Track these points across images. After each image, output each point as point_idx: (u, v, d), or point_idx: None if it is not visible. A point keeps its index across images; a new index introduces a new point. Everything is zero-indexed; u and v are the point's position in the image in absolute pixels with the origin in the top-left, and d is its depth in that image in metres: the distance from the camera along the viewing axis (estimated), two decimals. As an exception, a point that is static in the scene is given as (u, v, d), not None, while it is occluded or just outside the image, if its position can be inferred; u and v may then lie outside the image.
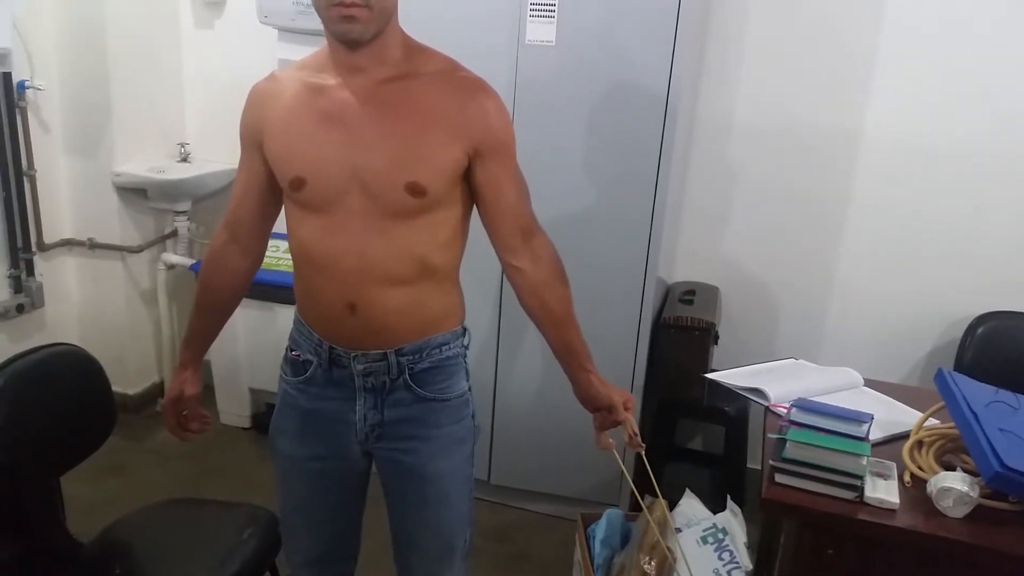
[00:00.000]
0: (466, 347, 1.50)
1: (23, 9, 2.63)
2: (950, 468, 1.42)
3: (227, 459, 2.90)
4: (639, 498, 1.72)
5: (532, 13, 2.21)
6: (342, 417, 1.45)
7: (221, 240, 1.51)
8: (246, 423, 3.11)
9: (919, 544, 1.33)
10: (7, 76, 2.61)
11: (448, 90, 1.32)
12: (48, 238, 2.87)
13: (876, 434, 1.52)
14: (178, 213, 3.08)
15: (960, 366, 2.46)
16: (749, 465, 2.61)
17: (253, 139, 1.41)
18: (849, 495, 1.37)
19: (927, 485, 1.37)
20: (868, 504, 1.36)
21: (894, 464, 1.45)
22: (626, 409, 1.48)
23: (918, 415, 1.61)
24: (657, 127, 2.21)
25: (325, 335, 1.42)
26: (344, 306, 1.36)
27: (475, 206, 1.41)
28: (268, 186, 1.43)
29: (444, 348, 1.43)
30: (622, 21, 2.17)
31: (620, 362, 2.41)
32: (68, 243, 2.97)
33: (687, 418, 2.81)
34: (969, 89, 2.45)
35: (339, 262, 1.34)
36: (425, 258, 1.36)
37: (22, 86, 2.66)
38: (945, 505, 1.34)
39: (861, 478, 1.36)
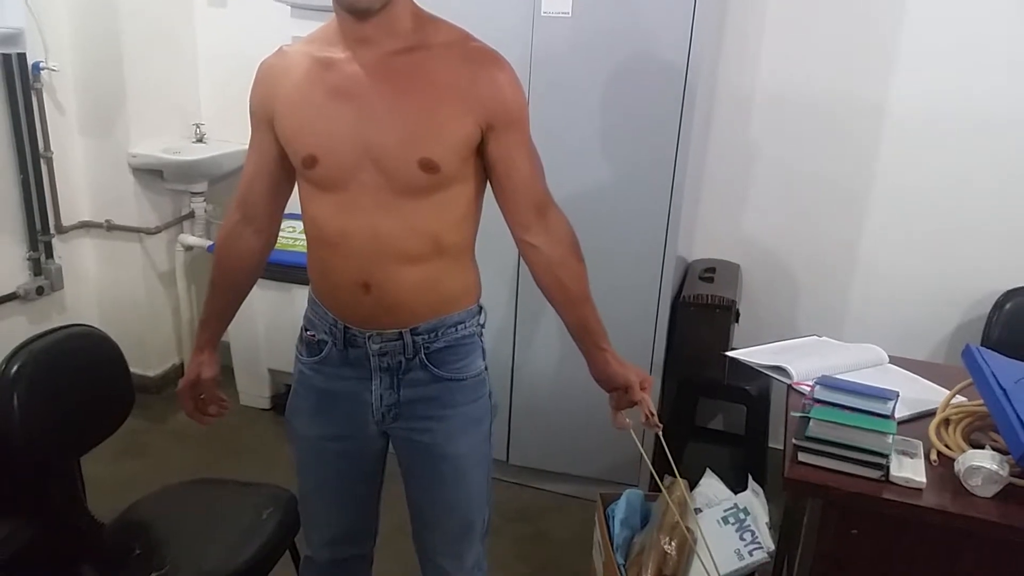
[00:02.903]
0: (482, 325, 1.48)
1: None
2: (978, 446, 1.39)
3: (247, 440, 2.92)
4: (657, 479, 1.70)
5: (548, -16, 2.17)
6: (358, 397, 1.44)
7: (233, 220, 1.50)
8: (266, 404, 3.12)
9: (946, 524, 1.30)
10: (22, 57, 2.60)
11: (459, 62, 1.29)
12: (66, 220, 2.88)
13: (902, 412, 1.49)
14: (195, 194, 3.09)
15: (987, 342, 2.41)
16: (771, 444, 2.58)
17: (263, 116, 1.39)
18: (874, 474, 1.34)
19: (955, 464, 1.34)
20: (894, 483, 1.33)
21: (920, 442, 1.42)
22: (643, 389, 1.45)
23: (945, 392, 1.58)
24: (676, 100, 2.17)
25: (340, 315, 1.40)
26: (358, 285, 1.34)
27: (488, 182, 1.39)
28: (279, 164, 1.41)
29: (460, 327, 1.41)
30: (640, -9, 2.12)
31: (639, 341, 2.38)
32: (86, 225, 2.98)
33: (708, 397, 2.79)
34: (995, 61, 2.38)
35: (352, 240, 1.33)
36: (439, 236, 1.34)
37: (37, 67, 2.66)
38: (973, 484, 1.31)
39: (886, 457, 1.34)
